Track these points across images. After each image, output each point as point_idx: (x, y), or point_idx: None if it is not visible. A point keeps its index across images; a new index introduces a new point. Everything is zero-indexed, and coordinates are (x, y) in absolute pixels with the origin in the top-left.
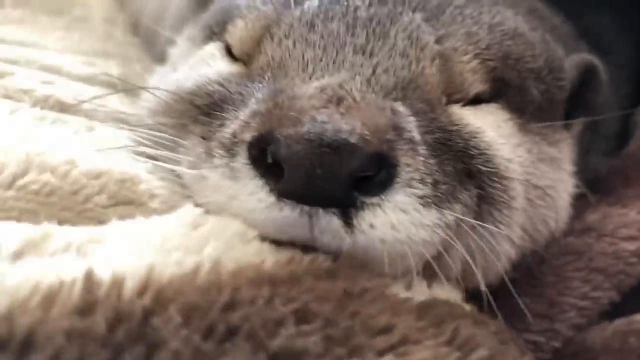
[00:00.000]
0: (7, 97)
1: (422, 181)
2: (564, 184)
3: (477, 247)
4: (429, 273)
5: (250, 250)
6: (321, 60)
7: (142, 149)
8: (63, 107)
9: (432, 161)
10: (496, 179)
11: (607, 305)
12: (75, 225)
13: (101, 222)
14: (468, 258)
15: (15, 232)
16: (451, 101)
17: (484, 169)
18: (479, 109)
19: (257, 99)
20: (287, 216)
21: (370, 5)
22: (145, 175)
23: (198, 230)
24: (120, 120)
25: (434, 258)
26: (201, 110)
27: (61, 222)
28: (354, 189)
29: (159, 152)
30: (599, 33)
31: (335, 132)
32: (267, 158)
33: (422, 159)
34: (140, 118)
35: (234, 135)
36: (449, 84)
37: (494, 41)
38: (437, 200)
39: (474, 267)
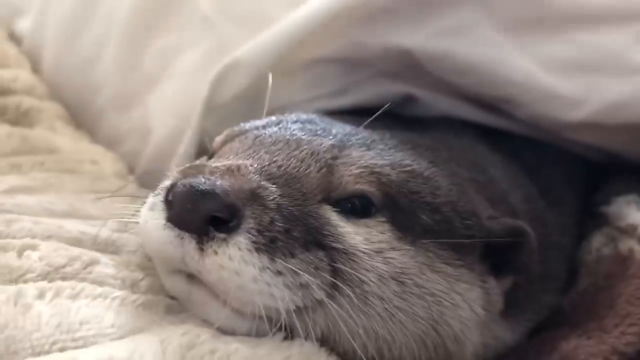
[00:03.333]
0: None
1: (260, 232)
2: (457, 303)
3: (334, 317)
4: None
5: None
6: (243, 152)
7: None
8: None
9: (279, 225)
10: (346, 256)
11: None
12: None
13: None
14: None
15: None
16: (326, 200)
17: (334, 244)
18: (352, 218)
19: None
20: (169, 235)
21: (300, 129)
22: None
23: None
24: None
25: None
26: None
27: None
28: (211, 225)
29: None
30: (551, 186)
31: (208, 185)
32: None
33: (268, 219)
34: None
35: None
36: (327, 187)
37: (392, 172)
38: (270, 250)
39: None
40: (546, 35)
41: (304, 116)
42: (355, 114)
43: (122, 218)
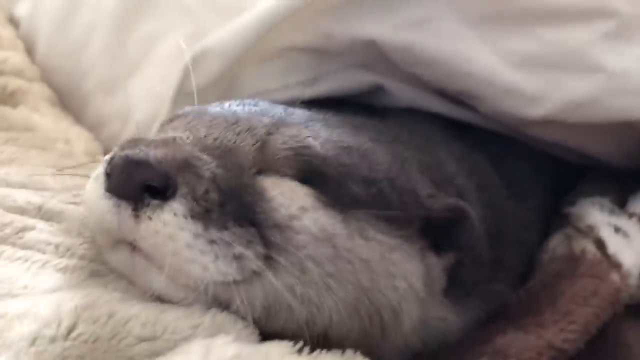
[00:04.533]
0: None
1: (194, 199)
2: (391, 272)
3: (272, 287)
4: None
5: None
6: (181, 127)
7: None
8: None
9: (212, 195)
10: (278, 230)
11: None
12: None
13: (130, 357)
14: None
15: None
16: (261, 173)
17: (266, 220)
18: (284, 182)
19: None
20: (107, 204)
21: (241, 109)
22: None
23: None
24: None
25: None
26: None
27: None
28: (147, 193)
29: None
30: (516, 179)
31: (142, 155)
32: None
33: (202, 189)
34: None
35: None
36: (261, 160)
37: (322, 147)
38: (204, 219)
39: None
40: (510, 30)
41: (249, 100)
42: (328, 104)
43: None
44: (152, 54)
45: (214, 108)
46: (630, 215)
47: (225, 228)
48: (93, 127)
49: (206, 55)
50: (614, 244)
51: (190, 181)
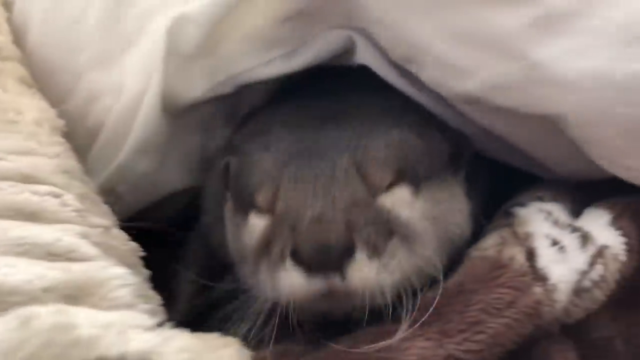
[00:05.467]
0: None
1: (369, 245)
2: (459, 210)
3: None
4: None
5: None
6: (310, 199)
7: None
8: None
9: (375, 236)
10: (404, 227)
11: None
12: None
13: None
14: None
15: None
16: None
17: (397, 228)
18: (390, 193)
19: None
20: (315, 282)
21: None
22: None
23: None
24: None
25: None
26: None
27: None
28: (340, 257)
29: None
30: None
31: (327, 238)
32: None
33: (370, 234)
34: None
35: (282, 251)
36: (369, 186)
37: (397, 152)
38: (378, 256)
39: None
40: (454, 8)
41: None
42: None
43: None
44: (147, 29)
45: (295, 163)
46: (574, 230)
47: (385, 251)
48: (85, 102)
49: (185, 20)
50: (546, 257)
51: (362, 234)
